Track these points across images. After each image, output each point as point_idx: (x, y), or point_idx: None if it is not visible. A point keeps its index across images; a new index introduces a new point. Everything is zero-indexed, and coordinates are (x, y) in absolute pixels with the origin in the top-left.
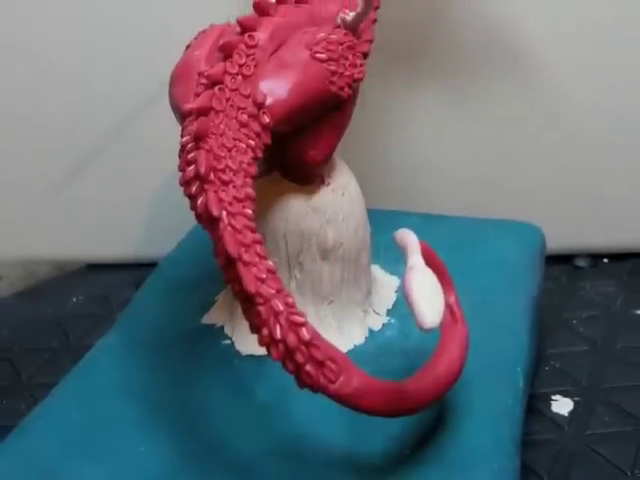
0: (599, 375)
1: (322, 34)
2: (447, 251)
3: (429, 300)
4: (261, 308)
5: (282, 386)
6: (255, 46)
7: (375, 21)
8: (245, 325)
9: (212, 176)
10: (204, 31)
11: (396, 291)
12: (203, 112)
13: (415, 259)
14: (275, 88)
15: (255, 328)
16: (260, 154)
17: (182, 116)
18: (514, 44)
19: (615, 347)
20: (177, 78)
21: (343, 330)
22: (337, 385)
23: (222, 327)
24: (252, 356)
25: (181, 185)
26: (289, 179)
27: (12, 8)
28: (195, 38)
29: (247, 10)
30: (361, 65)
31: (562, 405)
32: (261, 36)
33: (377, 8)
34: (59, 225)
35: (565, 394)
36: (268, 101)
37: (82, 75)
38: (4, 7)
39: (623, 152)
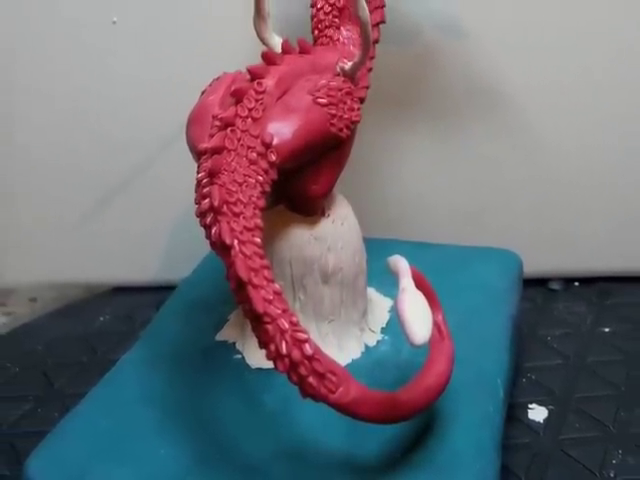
0: (571, 386)
1: (323, 81)
2: (435, 275)
3: (419, 319)
4: (268, 326)
5: (287, 396)
6: (263, 92)
7: (371, 70)
8: (254, 341)
9: (225, 208)
10: (217, 78)
11: (389, 311)
12: (217, 151)
13: (406, 282)
14: (281, 129)
15: (263, 344)
16: (268, 188)
17: (198, 155)
18: (496, 91)
19: (585, 361)
20: (193, 121)
21: (342, 346)
22: (337, 395)
23: (234, 343)
24: (260, 369)
25: (197, 216)
26: (293, 211)
27: (44, 62)
28: (210, 85)
29: (256, 59)
30: (358, 109)
31: (538, 413)
32: (269, 83)
33: (372, 58)
34: (88, 252)
35: (540, 403)
36: (275, 141)
37: (111, 120)
38: (37, 62)
39: (592, 188)
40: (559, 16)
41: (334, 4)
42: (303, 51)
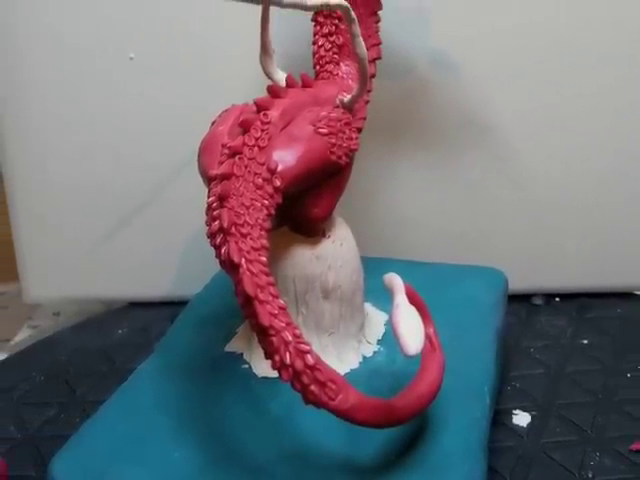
0: (552, 393)
1: (324, 113)
2: (427, 291)
3: (412, 332)
4: (273, 338)
5: (291, 402)
6: (269, 122)
7: (368, 102)
8: (261, 352)
9: (233, 230)
10: (226, 110)
11: (385, 324)
12: (226, 177)
13: (400, 298)
14: (285, 157)
15: (269, 355)
16: (273, 211)
17: (208, 180)
18: (484, 122)
19: (565, 370)
20: (204, 149)
21: (341, 357)
22: (336, 402)
23: (242, 354)
24: (266, 378)
25: (208, 237)
26: (296, 232)
27: (66, 90)
28: (219, 116)
29: (262, 93)
30: (356, 138)
31: (521, 418)
32: (274, 114)
33: (369, 91)
34: (107, 270)
35: (524, 409)
36: (279, 168)
37: (128, 148)
38: (59, 90)
39: (572, 212)
40: (546, 52)
41: (334, 42)
42: (305, 85)
